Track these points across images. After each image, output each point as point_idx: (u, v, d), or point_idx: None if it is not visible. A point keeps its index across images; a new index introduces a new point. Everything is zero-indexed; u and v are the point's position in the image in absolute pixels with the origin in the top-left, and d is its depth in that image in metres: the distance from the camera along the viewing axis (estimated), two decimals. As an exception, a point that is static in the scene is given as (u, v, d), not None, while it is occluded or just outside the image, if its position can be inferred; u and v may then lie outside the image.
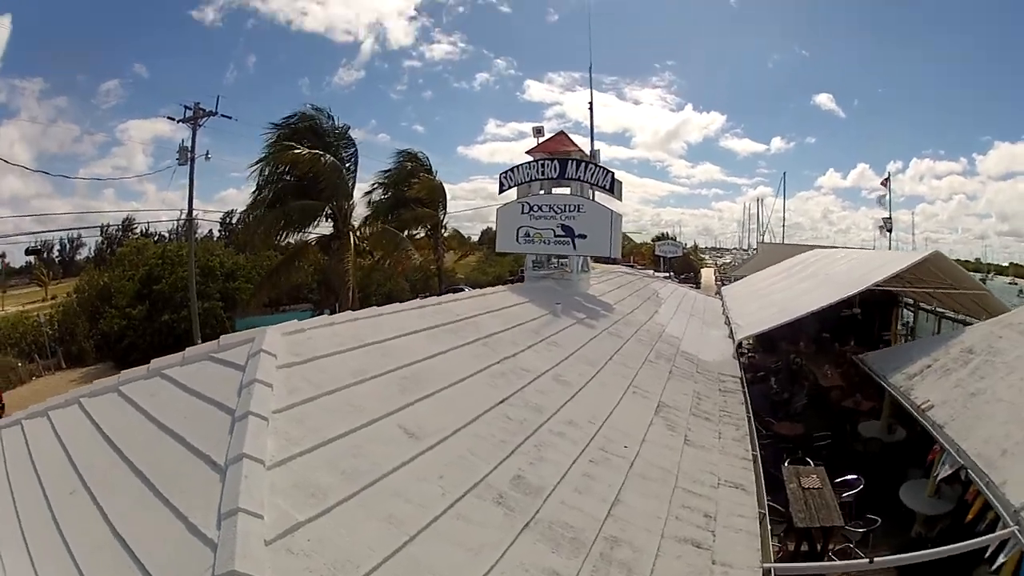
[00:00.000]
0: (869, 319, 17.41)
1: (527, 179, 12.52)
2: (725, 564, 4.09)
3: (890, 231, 35.63)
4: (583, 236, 11.81)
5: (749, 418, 7.72)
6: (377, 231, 20.53)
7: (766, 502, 5.77)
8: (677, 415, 6.83)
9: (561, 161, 12.22)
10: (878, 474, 9.66)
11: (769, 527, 5.08)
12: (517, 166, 12.66)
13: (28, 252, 25.19)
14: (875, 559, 5.35)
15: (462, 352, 5.99)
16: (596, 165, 12.30)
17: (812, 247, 25.80)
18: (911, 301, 17.83)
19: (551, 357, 6.91)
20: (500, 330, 7.09)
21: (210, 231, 39.09)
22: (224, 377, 4.06)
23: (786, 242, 38.19)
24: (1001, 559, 5.23)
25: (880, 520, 8.10)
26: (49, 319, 30.62)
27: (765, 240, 46.62)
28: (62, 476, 3.90)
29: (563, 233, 11.95)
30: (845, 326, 17.53)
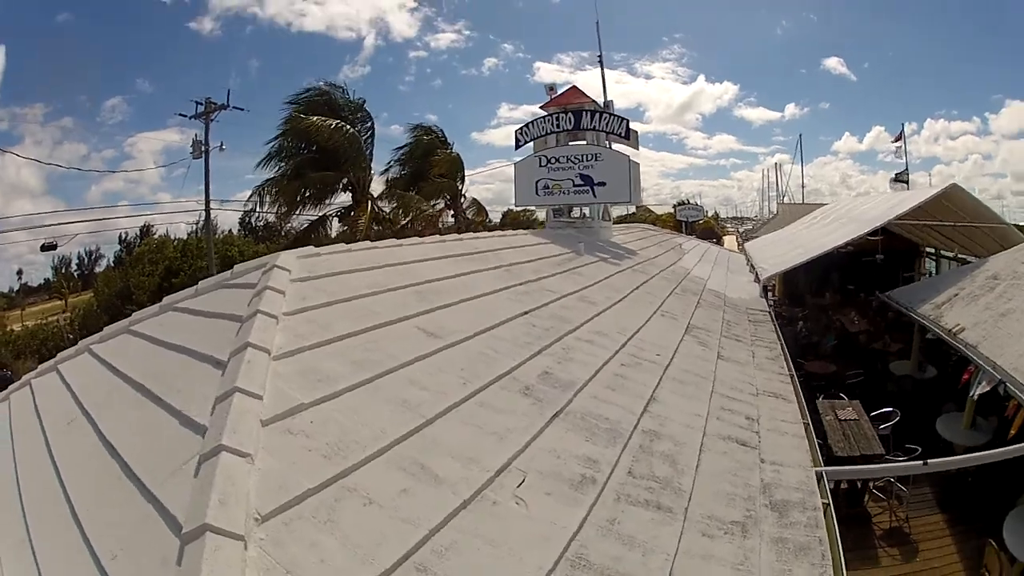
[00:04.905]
0: (892, 269, 17.16)
1: (543, 133, 12.16)
2: (776, 463, 3.86)
3: (906, 183, 34.10)
4: (602, 184, 11.52)
5: (782, 344, 7.47)
6: (398, 199, 20.37)
7: (808, 415, 5.57)
8: (708, 335, 6.60)
9: (575, 112, 11.89)
10: (913, 410, 9.37)
11: (815, 441, 4.86)
12: (532, 121, 12.28)
13: (43, 248, 24.70)
14: (929, 461, 4.97)
15: (483, 275, 5.81)
16: (611, 114, 12.02)
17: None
18: (933, 251, 17.65)
19: (575, 283, 6.71)
20: (522, 260, 6.89)
21: (229, 231, 38.92)
22: (237, 297, 3.80)
23: (806, 202, 37.38)
24: None
25: (921, 448, 7.74)
26: (69, 323, 29.88)
27: (785, 202, 45.63)
28: (62, 408, 3.65)
29: (582, 182, 11.65)
30: (869, 277, 17.27)
